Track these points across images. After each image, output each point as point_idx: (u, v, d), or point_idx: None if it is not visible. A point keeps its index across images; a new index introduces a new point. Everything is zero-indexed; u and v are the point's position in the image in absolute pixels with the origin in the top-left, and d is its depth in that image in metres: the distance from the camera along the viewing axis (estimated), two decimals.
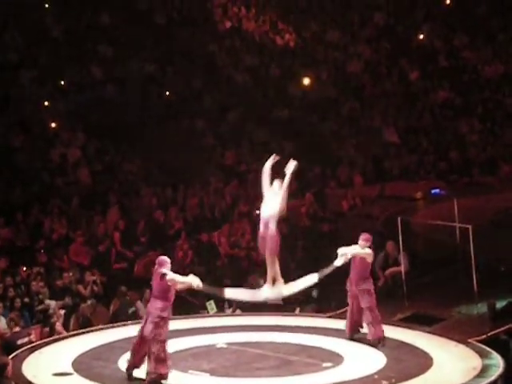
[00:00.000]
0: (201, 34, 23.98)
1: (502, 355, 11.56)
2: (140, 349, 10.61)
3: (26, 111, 19.72)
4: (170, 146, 20.28)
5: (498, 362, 11.28)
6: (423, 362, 11.48)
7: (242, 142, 21.55)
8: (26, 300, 14.27)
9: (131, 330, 13.05)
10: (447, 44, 25.63)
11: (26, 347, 12.37)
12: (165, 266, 10.60)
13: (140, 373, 10.71)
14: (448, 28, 26.04)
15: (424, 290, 15.03)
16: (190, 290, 11.02)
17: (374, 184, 21.05)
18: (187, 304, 14.60)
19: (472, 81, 24.60)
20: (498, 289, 14.62)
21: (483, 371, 11.00)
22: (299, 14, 25.69)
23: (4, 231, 16.28)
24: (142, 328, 10.59)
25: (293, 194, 19.89)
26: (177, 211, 18.32)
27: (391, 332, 12.55)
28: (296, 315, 14.92)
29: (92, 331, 13.33)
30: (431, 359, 11.55)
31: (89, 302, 14.56)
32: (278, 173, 11.91)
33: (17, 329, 13.38)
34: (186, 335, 12.56)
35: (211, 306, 15.09)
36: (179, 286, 10.66)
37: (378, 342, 12.04)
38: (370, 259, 12.24)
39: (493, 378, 10.77)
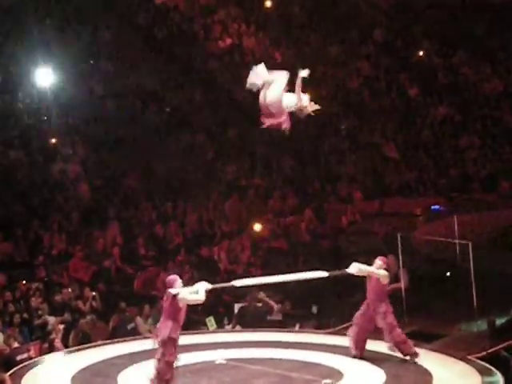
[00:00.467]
0: (201, 49, 24.05)
1: (502, 372, 11.52)
2: None
3: (25, 126, 19.75)
4: (170, 160, 20.30)
5: (498, 379, 11.24)
6: (423, 378, 11.44)
7: (242, 157, 21.58)
8: (25, 316, 14.25)
9: (131, 346, 13.09)
10: (446, 61, 25.69)
11: (25, 363, 12.33)
12: (175, 285, 10.53)
13: None
14: (447, 45, 26.11)
15: (424, 307, 15.02)
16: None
17: (374, 200, 21.07)
18: (187, 320, 14.57)
19: (471, 97, 24.65)
20: (497, 305, 14.61)
21: None
22: (299, 30, 25.75)
23: (3, 246, 16.28)
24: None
25: (292, 209, 20.05)
26: (176, 226, 18.33)
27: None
28: (296, 331, 14.90)
29: (91, 347, 13.30)
30: (431, 376, 11.50)
31: (88, 317, 14.54)
32: None
33: (16, 345, 13.36)
34: (185, 351, 12.49)
35: (211, 322, 15.08)
36: (192, 303, 10.64)
37: (415, 357, 11.97)
38: (385, 281, 12.11)
39: None
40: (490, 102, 24.48)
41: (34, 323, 14.18)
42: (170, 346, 10.32)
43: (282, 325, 15.16)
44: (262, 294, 15.70)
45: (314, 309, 15.87)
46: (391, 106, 24.16)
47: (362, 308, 12.30)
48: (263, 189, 20.61)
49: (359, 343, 12.32)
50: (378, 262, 12.20)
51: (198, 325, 14.93)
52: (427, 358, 12.09)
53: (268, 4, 26.04)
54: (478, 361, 12.17)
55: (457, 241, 15.57)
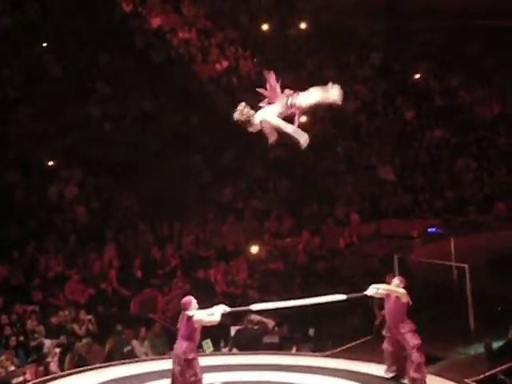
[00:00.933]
0: (198, 72, 24.14)
1: None
2: None
3: (23, 148, 19.77)
4: (167, 182, 20.31)
5: None
6: None
7: (238, 179, 21.60)
8: (21, 338, 14.21)
9: (127, 369, 13.05)
10: (443, 83, 25.80)
11: None
12: (190, 307, 10.57)
13: None
14: (443, 68, 26.23)
15: (420, 329, 14.97)
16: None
17: (371, 222, 21.08)
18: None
19: (467, 120, 24.74)
20: (494, 328, 14.59)
21: None
22: (296, 54, 25.86)
23: None
24: (173, 373, 10.54)
25: (289, 231, 20.05)
26: (173, 248, 18.32)
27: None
28: (293, 354, 14.87)
29: (87, 370, 13.25)
30: None
31: (84, 340, 14.50)
32: None
33: (12, 368, 13.31)
34: None
35: (208, 344, 15.04)
36: (207, 324, 10.63)
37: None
38: (404, 299, 11.98)
39: None
40: (485, 124, 24.58)
41: (30, 345, 14.14)
42: (190, 366, 10.32)
43: (279, 348, 15.12)
44: (256, 317, 15.68)
45: (311, 331, 15.84)
46: (388, 129, 24.23)
47: (386, 333, 12.21)
48: (260, 211, 20.61)
49: (399, 367, 12.18)
50: (396, 281, 12.14)
51: None
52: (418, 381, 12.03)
53: (265, 28, 26.17)
54: None
55: (453, 263, 15.57)
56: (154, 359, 14.01)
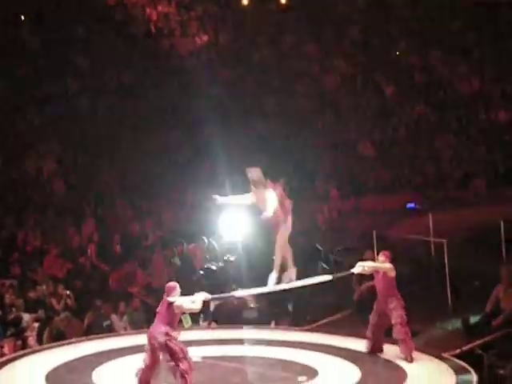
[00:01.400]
0: (177, 46, 24.00)
1: (476, 370, 11.59)
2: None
3: (0, 122, 19.61)
4: (146, 157, 20.24)
5: (472, 377, 11.30)
6: (397, 376, 11.48)
7: (218, 154, 21.53)
8: None
9: (105, 344, 13.05)
10: (422, 59, 25.79)
11: None
12: (173, 293, 10.57)
13: None
14: (423, 43, 26.21)
15: None
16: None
17: (350, 198, 21.11)
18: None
19: (447, 96, 24.76)
20: (472, 303, 14.69)
21: None
22: (275, 28, 25.75)
23: None
24: (150, 355, 10.54)
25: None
26: (152, 223, 18.28)
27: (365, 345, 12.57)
28: (271, 328, 14.91)
29: (66, 344, 13.24)
30: (405, 373, 11.54)
31: (63, 315, 14.47)
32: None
33: None
34: None
35: (186, 319, 14.98)
36: (187, 311, 10.65)
37: (411, 358, 11.98)
38: (392, 273, 12.06)
39: None
40: (465, 100, 24.61)
41: (8, 318, 14.09)
42: (171, 346, 10.33)
43: (258, 322, 15.15)
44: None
45: (290, 306, 15.89)
46: (367, 105, 24.22)
47: (375, 306, 12.27)
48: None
49: (377, 342, 12.27)
50: (381, 257, 12.19)
51: None
52: (400, 355, 12.13)
53: (244, 2, 26.04)
54: (453, 358, 12.22)
55: (432, 239, 15.63)
56: (132, 333, 14.00)
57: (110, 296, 15.47)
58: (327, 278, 11.92)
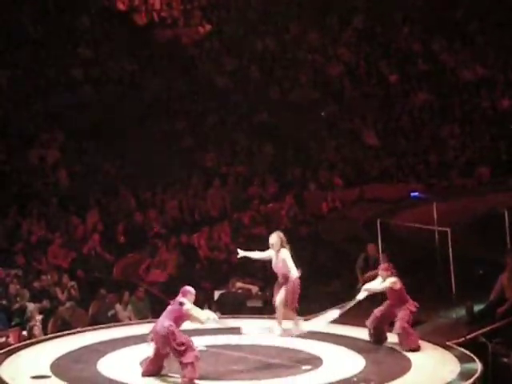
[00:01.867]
0: (180, 35, 23.96)
1: (481, 358, 11.60)
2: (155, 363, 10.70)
3: (4, 112, 19.61)
4: (149, 147, 20.23)
5: (476, 366, 11.32)
6: (402, 364, 11.50)
7: (222, 144, 21.54)
8: (4, 302, 14.19)
9: (110, 333, 13.08)
10: (426, 47, 25.73)
11: (3, 350, 12.28)
12: (187, 296, 10.69)
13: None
14: (427, 31, 26.14)
15: None
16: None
17: (354, 186, 21.11)
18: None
19: (450, 84, 24.71)
20: (476, 292, 14.69)
21: (461, 374, 11.03)
22: (279, 17, 25.69)
23: None
24: (157, 347, 10.61)
25: (272, 196, 20.05)
26: (156, 213, 18.29)
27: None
28: (275, 318, 14.90)
29: (70, 334, 13.26)
30: (410, 362, 11.56)
31: (67, 304, 14.49)
32: None
33: None
34: None
35: None
36: (191, 320, 10.74)
37: (418, 348, 12.01)
38: (397, 286, 12.13)
39: (471, 381, 10.80)
40: (469, 88, 24.56)
41: (13, 308, 14.11)
42: (175, 338, 10.38)
43: (262, 311, 15.16)
44: (240, 284, 15.78)
45: None
46: (371, 93, 24.18)
47: (384, 306, 12.29)
48: (243, 176, 20.58)
49: (379, 334, 12.32)
50: (383, 272, 12.22)
51: None
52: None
53: None
54: (457, 347, 12.24)
55: (436, 227, 15.62)
56: (137, 323, 14.03)
57: (115, 285, 15.49)
58: (335, 314, 12.15)
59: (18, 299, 14.27)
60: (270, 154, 21.58)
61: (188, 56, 23.53)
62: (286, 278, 11.90)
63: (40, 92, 20.52)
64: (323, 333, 12.69)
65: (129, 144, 20.19)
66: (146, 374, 10.84)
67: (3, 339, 12.97)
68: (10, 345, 12.83)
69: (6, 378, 10.87)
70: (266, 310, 15.23)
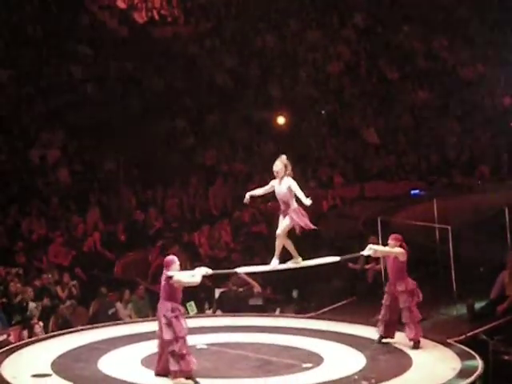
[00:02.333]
0: (181, 33, 23.96)
1: (481, 356, 11.60)
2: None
3: (4, 111, 19.61)
4: (150, 145, 20.23)
5: (477, 363, 11.32)
6: (402, 362, 11.49)
7: (222, 142, 21.53)
8: (5, 301, 14.20)
9: (111, 331, 13.08)
10: (426, 45, 25.74)
11: (4, 349, 12.29)
12: (171, 266, 10.50)
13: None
14: (427, 29, 26.15)
15: None
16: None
17: (354, 184, 21.11)
18: None
19: (451, 82, 24.71)
20: (476, 289, 14.70)
21: (462, 372, 11.02)
22: (279, 14, 25.69)
23: None
24: (160, 334, 10.53)
25: (272, 194, 20.03)
26: (156, 211, 18.29)
27: (370, 332, 12.58)
28: (276, 316, 14.93)
29: (71, 332, 13.28)
30: (410, 360, 11.56)
31: (68, 302, 14.50)
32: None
33: None
34: None
35: (191, 307, 15.08)
36: (187, 285, 10.62)
37: (417, 343, 11.98)
38: (402, 258, 12.05)
39: (472, 379, 10.79)
40: (469, 86, 24.57)
41: (14, 303, 14.11)
42: (176, 323, 10.32)
43: (263, 309, 15.18)
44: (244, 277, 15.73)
45: (295, 293, 15.91)
46: (371, 91, 24.19)
47: (386, 289, 12.25)
48: (244, 174, 20.58)
49: (390, 325, 12.21)
50: (391, 241, 12.16)
51: None
52: (407, 342, 12.14)
53: None
54: (458, 344, 12.23)
55: (436, 225, 15.62)
56: (137, 321, 14.04)
57: (115, 284, 15.50)
58: (335, 259, 11.90)
59: (19, 298, 14.26)
60: (270, 152, 21.56)
61: (188, 54, 23.52)
62: (288, 206, 11.56)
63: (40, 91, 20.51)
64: (324, 331, 12.69)
65: (129, 143, 20.17)
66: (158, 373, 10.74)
67: (4, 337, 12.96)
68: (10, 343, 12.84)
69: (6, 376, 10.87)
70: (267, 307, 15.28)
